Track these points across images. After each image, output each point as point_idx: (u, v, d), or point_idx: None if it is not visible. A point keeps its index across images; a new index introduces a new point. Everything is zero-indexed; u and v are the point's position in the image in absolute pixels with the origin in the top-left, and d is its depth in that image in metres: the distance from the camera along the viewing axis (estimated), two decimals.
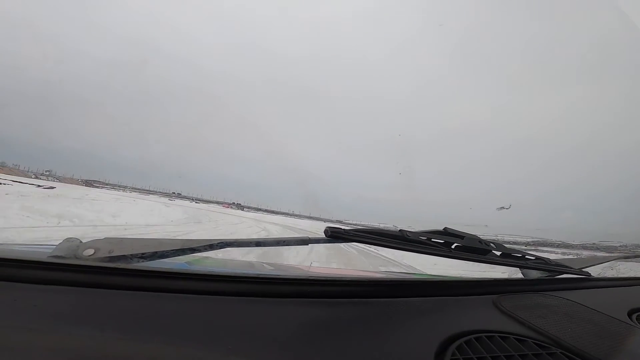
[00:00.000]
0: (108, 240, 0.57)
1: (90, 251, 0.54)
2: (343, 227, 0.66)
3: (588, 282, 1.03)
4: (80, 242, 0.57)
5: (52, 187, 20.03)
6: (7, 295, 0.46)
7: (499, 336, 0.56)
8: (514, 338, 0.57)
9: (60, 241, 0.58)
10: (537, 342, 0.57)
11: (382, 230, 0.72)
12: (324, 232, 0.64)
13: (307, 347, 0.47)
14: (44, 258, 0.53)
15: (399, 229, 0.72)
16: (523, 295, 0.82)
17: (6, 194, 11.33)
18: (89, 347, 0.39)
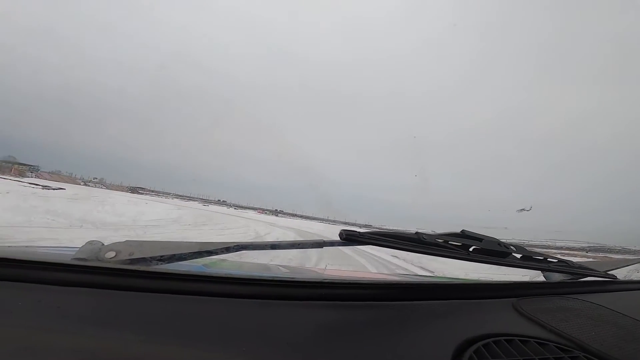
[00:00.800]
0: (128, 242, 0.58)
1: (112, 254, 0.55)
2: (358, 230, 0.66)
3: (614, 285, 0.98)
4: (102, 244, 0.59)
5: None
6: (32, 296, 0.48)
7: (518, 340, 0.55)
8: (535, 342, 0.55)
9: (83, 244, 0.60)
10: (559, 345, 0.55)
11: (398, 232, 0.72)
12: (339, 234, 0.64)
13: (321, 349, 0.48)
14: (67, 260, 0.54)
15: (415, 231, 0.72)
16: (545, 299, 0.79)
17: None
18: (109, 349, 0.40)
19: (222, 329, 0.48)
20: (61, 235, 5.53)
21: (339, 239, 0.65)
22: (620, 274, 1.04)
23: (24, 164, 79.72)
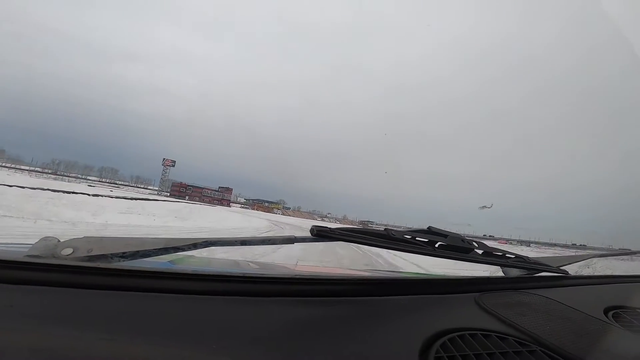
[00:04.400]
0: (87, 239, 0.56)
1: (69, 250, 0.53)
2: (329, 226, 0.67)
3: (566, 280, 1.05)
4: (58, 241, 0.56)
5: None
6: None
7: (481, 334, 0.58)
8: (496, 336, 0.58)
9: (37, 240, 0.57)
10: (517, 339, 0.58)
11: (368, 229, 0.73)
12: (310, 231, 0.65)
13: (292, 346, 0.48)
14: (19, 257, 0.52)
15: (384, 227, 0.74)
16: (504, 293, 0.84)
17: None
18: (68, 347, 0.39)
19: (191, 326, 0.47)
20: None
21: (310, 235, 0.65)
22: (572, 269, 1.10)
23: (274, 202, 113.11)
